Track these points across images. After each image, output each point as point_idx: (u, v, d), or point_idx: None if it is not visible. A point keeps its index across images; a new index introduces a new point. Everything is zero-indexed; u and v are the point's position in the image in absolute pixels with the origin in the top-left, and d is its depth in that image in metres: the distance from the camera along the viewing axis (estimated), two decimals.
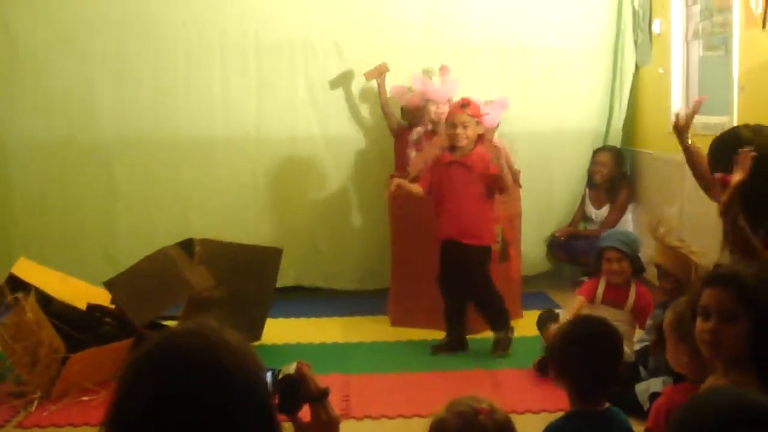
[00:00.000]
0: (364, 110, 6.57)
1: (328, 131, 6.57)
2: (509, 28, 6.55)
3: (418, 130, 6.17)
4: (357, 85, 6.53)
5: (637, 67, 6.70)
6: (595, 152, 6.76)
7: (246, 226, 6.33)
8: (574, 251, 6.57)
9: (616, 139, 6.82)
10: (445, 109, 5.75)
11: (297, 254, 6.45)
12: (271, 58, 6.44)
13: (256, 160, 6.52)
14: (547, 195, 6.59)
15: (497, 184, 5.15)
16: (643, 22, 6.53)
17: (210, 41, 6.40)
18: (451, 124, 5.14)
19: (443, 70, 6.22)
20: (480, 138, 5.18)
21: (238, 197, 6.50)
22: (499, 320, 5.27)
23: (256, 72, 6.45)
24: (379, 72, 6.31)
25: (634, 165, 6.78)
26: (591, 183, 6.76)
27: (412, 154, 6.05)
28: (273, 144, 6.51)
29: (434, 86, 6.12)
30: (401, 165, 6.20)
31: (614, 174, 6.66)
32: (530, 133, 6.33)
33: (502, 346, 5.21)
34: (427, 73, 6.25)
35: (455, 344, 5.31)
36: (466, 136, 5.07)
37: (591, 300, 4.80)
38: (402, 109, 6.35)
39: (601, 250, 4.78)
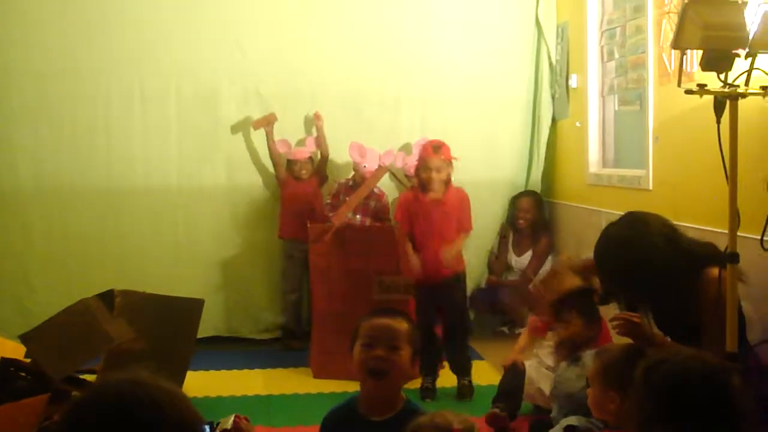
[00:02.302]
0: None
1: (250, 181, 6.53)
2: (429, 80, 6.60)
3: (341, 181, 6.33)
4: (279, 134, 6.49)
5: (555, 121, 6.78)
6: (517, 197, 6.78)
7: (167, 276, 6.18)
8: (496, 301, 6.56)
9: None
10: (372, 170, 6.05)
11: (219, 305, 6.38)
12: (193, 107, 6.38)
13: (177, 210, 6.42)
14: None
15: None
16: (560, 77, 6.63)
17: (130, 89, 6.31)
18: (425, 167, 5.18)
19: (317, 117, 6.38)
20: (449, 179, 5.28)
21: (159, 248, 6.39)
22: (467, 365, 5.34)
23: (177, 120, 6.37)
24: (267, 122, 6.40)
25: (552, 216, 6.81)
26: (515, 228, 6.75)
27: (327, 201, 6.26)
28: (195, 194, 6.44)
29: (366, 159, 6.20)
30: (289, 213, 6.32)
31: (537, 218, 6.68)
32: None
33: (469, 392, 5.26)
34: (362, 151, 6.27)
35: (434, 389, 5.32)
36: (440, 179, 5.15)
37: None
38: (289, 161, 6.41)
39: None
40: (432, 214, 5.30)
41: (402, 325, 2.75)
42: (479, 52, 6.67)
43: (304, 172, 6.39)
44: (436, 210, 5.30)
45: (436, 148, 5.24)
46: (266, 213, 6.56)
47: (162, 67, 6.31)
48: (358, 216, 6.09)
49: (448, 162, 5.27)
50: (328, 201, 6.28)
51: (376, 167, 6.07)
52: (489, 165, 6.74)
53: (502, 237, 6.81)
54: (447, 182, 5.32)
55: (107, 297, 5.03)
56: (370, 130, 6.46)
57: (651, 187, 5.06)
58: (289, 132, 6.50)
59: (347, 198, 6.06)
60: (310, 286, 5.98)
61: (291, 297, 6.47)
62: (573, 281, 4.18)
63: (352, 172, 6.36)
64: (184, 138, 6.40)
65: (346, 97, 6.53)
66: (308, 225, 5.90)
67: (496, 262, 6.82)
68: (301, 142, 6.49)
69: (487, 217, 6.74)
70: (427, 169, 5.21)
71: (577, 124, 6.33)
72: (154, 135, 6.36)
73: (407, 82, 6.61)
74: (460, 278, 5.42)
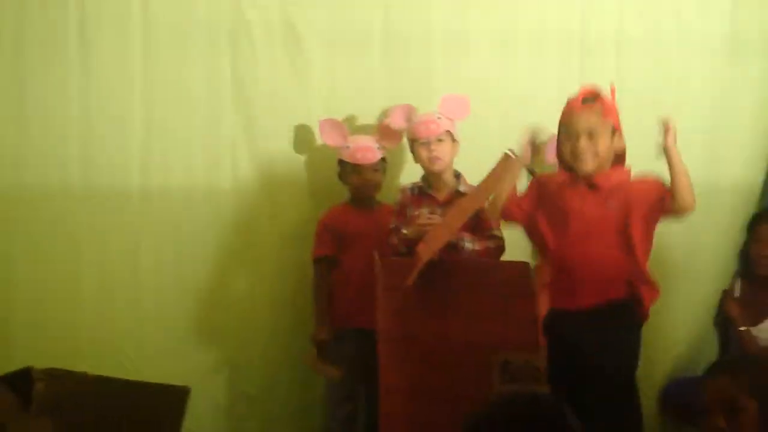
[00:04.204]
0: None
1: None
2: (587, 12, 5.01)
3: (405, 188, 4.69)
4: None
5: None
6: (758, 219, 4.95)
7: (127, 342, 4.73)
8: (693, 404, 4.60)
9: None
10: (443, 149, 4.55)
11: (216, 397, 4.89)
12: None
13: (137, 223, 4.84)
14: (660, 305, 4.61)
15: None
16: None
17: None
18: (571, 130, 3.98)
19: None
20: (620, 158, 4.04)
21: (112, 290, 4.81)
22: None
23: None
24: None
25: None
26: (749, 274, 4.92)
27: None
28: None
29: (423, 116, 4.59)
30: (351, 280, 4.70)
31: None
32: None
33: None
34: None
35: None
36: (595, 153, 3.94)
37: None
38: (346, 166, 4.73)
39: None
40: (581, 208, 3.99)
41: None
42: None
43: (373, 185, 4.70)
44: (590, 201, 3.99)
45: (589, 98, 3.97)
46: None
47: None
48: (465, 240, 4.42)
49: (612, 124, 3.95)
50: (393, 225, 4.62)
51: (501, 158, 4.22)
52: (701, 155, 4.92)
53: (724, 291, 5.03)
54: (611, 159, 4.00)
55: (20, 381, 3.89)
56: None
57: None
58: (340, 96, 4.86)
59: (420, 213, 4.47)
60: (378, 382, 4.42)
61: (342, 410, 4.75)
62: None
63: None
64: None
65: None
66: (377, 260, 4.28)
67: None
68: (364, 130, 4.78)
69: (697, 250, 4.96)
70: (571, 134, 3.94)
71: None
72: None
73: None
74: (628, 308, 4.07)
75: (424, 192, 4.55)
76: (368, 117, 4.79)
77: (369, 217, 4.65)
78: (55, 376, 3.89)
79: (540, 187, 4.16)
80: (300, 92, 4.78)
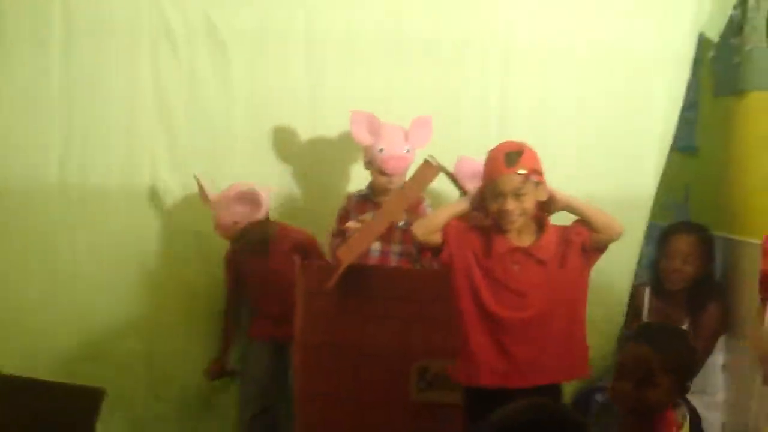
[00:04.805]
0: None
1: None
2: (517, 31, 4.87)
3: (351, 194, 4.66)
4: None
5: (739, 93, 4.68)
6: (668, 234, 4.73)
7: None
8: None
9: (695, 217, 4.86)
10: (402, 179, 4.44)
11: (131, 398, 4.78)
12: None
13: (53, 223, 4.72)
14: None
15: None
16: (756, 12, 4.50)
17: None
18: (497, 191, 3.77)
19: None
20: (544, 208, 3.85)
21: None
22: None
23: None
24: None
25: (731, 265, 4.67)
26: (659, 289, 4.72)
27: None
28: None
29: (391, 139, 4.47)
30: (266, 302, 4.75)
31: (702, 272, 4.63)
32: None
33: None
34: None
35: None
36: (522, 211, 3.77)
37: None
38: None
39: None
40: (511, 277, 3.77)
41: None
42: None
43: (251, 249, 4.66)
44: (519, 269, 3.78)
45: (512, 156, 3.74)
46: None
47: None
48: (393, 247, 4.46)
49: (536, 180, 3.76)
50: (335, 228, 4.58)
51: (421, 165, 4.13)
52: (612, 170, 4.86)
53: (633, 300, 4.88)
54: (539, 217, 3.82)
55: None
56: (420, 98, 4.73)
57: None
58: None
59: (361, 220, 4.37)
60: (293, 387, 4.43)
61: (255, 406, 4.75)
62: None
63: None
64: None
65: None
66: (301, 264, 4.27)
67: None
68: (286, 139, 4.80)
69: (608, 265, 4.60)
70: (498, 195, 3.75)
71: None
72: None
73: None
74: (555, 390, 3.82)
75: (369, 198, 4.47)
76: (291, 120, 4.69)
77: (264, 261, 4.61)
78: None
79: (467, 241, 3.91)
80: (221, 94, 4.65)
